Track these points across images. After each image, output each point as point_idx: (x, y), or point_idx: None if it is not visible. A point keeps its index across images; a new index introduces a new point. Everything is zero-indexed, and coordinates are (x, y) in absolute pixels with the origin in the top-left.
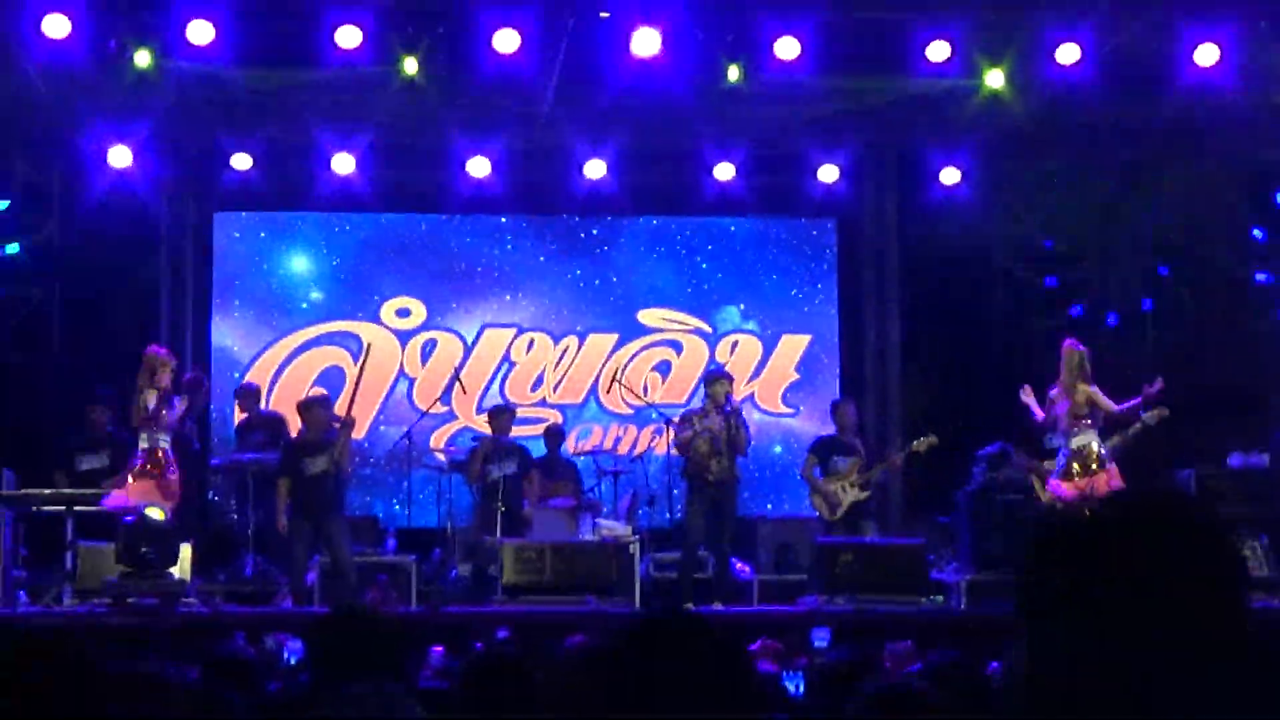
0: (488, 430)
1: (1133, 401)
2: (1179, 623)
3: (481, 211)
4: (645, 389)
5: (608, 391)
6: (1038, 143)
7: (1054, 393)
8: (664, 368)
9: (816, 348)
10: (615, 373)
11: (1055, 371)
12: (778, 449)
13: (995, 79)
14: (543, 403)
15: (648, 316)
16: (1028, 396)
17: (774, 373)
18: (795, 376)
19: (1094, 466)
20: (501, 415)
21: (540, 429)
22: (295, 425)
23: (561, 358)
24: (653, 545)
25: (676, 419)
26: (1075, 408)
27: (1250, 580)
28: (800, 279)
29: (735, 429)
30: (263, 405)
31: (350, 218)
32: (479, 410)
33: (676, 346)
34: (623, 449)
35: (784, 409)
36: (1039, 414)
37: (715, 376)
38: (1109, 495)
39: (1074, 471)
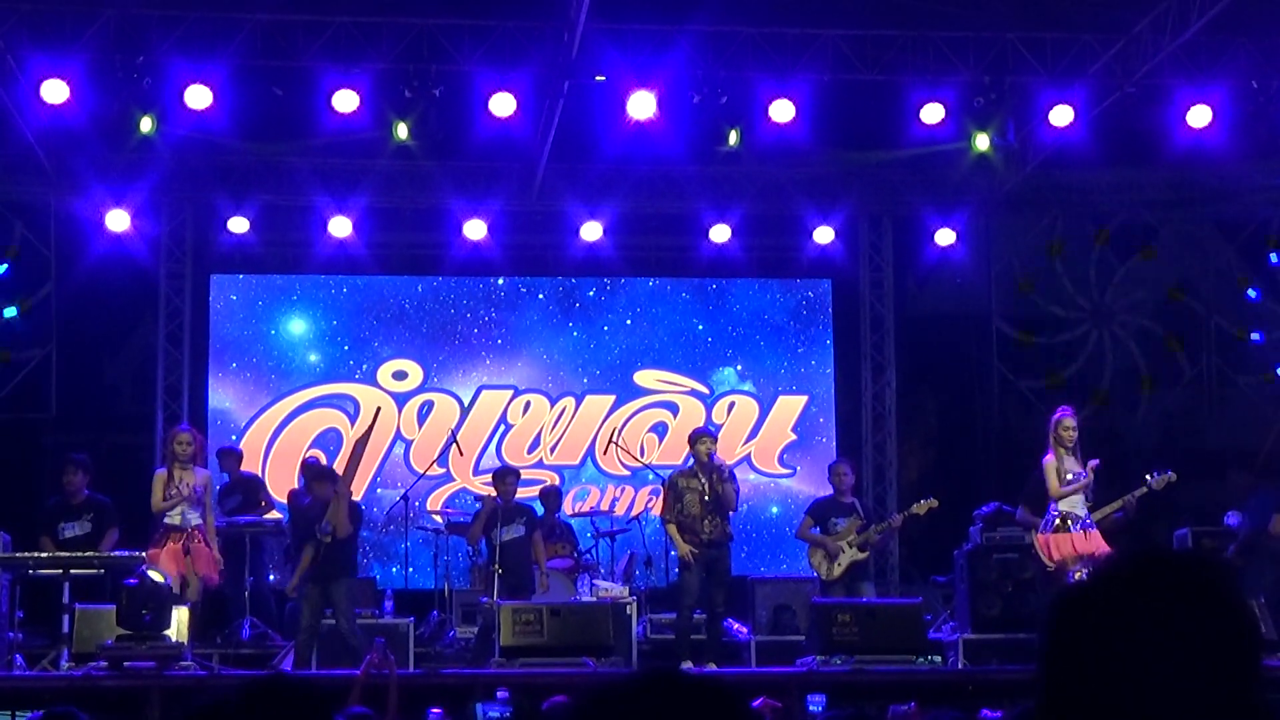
0: (487, 491)
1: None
2: (1205, 696)
3: (478, 274)
4: (642, 450)
5: (604, 453)
6: (1033, 204)
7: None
8: (660, 429)
9: (813, 408)
10: (612, 434)
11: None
12: (775, 510)
13: (982, 142)
14: (540, 464)
15: (644, 378)
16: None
17: (771, 433)
18: (792, 437)
19: (1075, 526)
20: (507, 478)
21: (537, 490)
22: (279, 486)
23: (559, 419)
24: (650, 606)
25: (665, 483)
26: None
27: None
28: (796, 340)
29: (722, 485)
30: (244, 468)
31: (347, 280)
32: (476, 471)
33: (673, 408)
34: (619, 510)
35: (781, 470)
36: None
37: (698, 435)
38: (1125, 557)
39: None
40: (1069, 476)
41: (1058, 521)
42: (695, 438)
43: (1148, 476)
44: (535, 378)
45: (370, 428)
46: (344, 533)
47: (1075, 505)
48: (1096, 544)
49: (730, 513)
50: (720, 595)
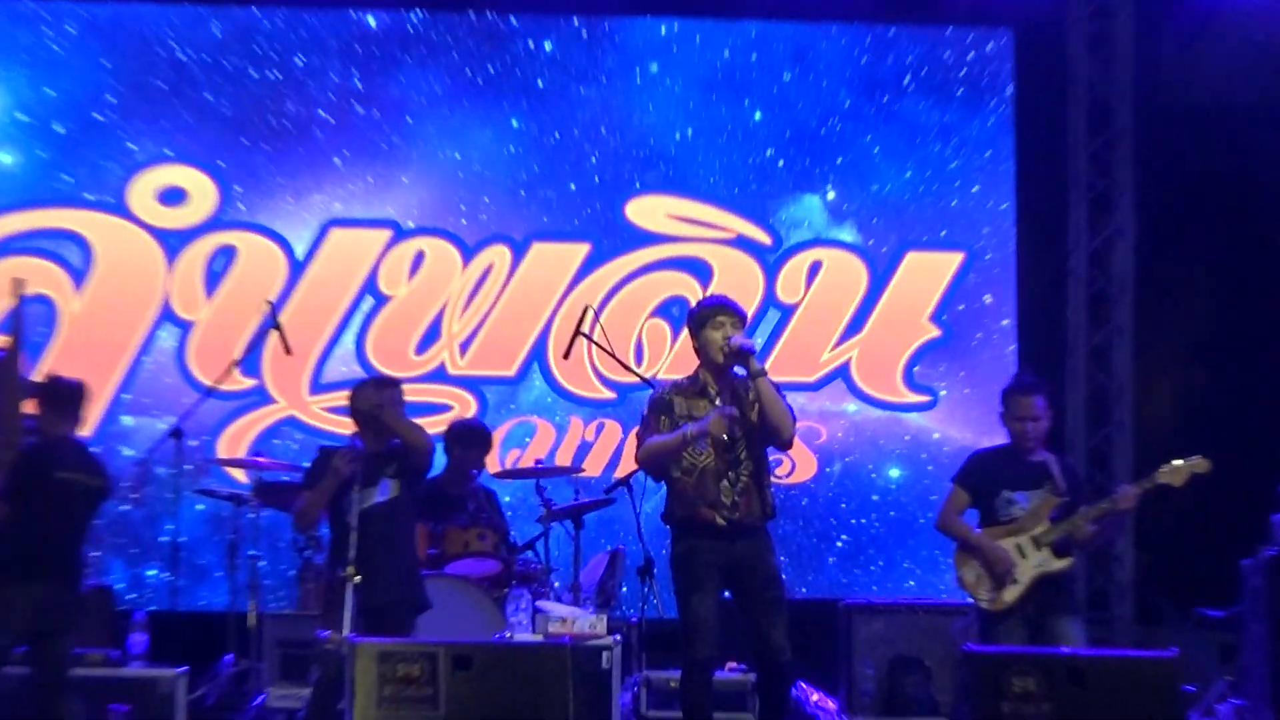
0: (335, 426)
1: None
2: None
3: (330, 1)
4: (639, 351)
5: (566, 355)
6: None
7: None
8: (675, 312)
9: (973, 278)
10: (583, 318)
11: None
12: (894, 472)
13: None
14: (438, 374)
15: (646, 211)
16: None
17: (890, 325)
18: (931, 333)
19: None
20: (378, 395)
21: (437, 424)
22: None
23: (478, 288)
24: (649, 655)
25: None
26: None
27: None
28: (944, 145)
29: (756, 404)
30: None
31: (72, 8)
32: (316, 387)
33: (701, 270)
34: (592, 467)
35: (906, 395)
36: None
37: (709, 310)
38: None
39: None
40: None
41: None
42: (703, 315)
43: None
44: (435, 206)
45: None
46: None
47: None
48: None
49: (774, 463)
50: (776, 631)
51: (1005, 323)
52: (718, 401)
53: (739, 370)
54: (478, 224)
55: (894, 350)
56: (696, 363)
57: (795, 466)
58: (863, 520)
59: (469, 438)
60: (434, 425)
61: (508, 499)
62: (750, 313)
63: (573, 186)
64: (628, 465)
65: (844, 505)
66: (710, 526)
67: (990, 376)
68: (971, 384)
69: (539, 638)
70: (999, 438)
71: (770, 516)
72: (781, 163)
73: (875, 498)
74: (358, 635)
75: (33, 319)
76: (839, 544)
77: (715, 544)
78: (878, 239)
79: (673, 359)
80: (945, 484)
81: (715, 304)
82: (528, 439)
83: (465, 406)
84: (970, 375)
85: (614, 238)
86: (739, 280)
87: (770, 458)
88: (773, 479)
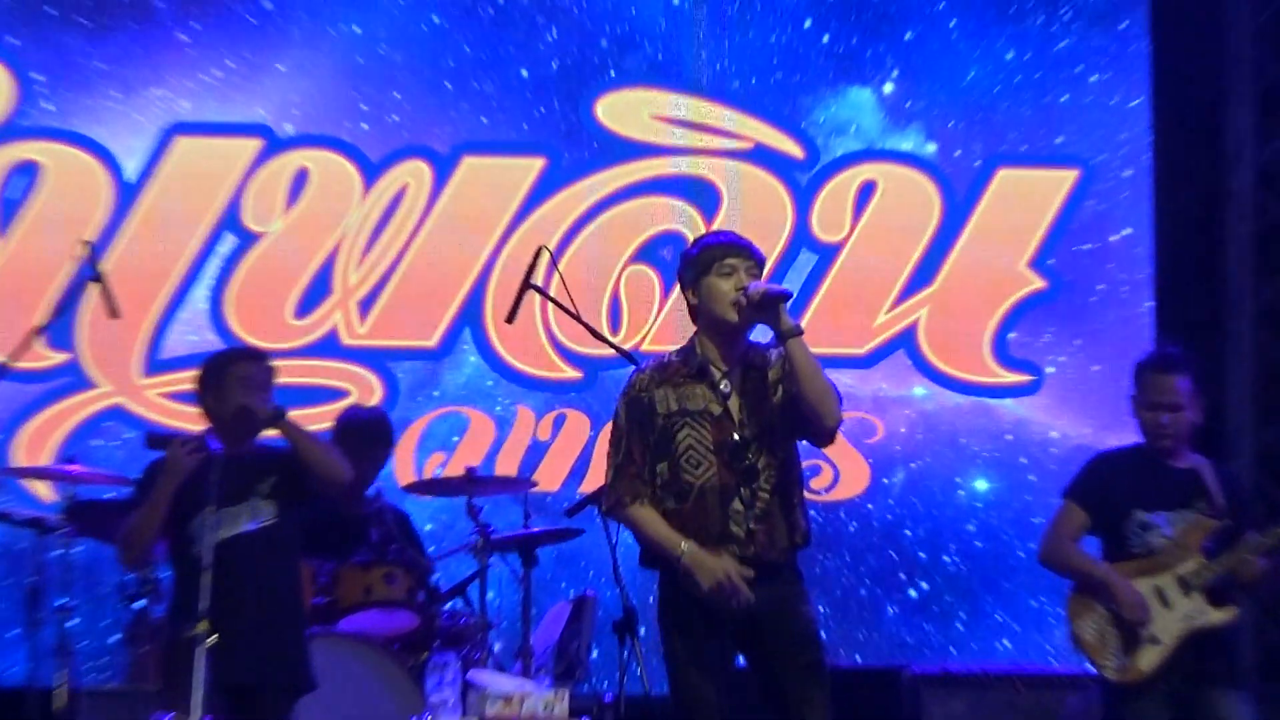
0: (184, 423)
1: None
2: None
3: None
4: (615, 308)
5: (511, 318)
6: None
7: None
8: (666, 255)
9: (1093, 208)
10: (534, 265)
11: None
12: (981, 483)
13: None
14: (328, 345)
15: (623, 111)
16: None
17: (974, 274)
18: (1034, 285)
19: None
20: (231, 377)
21: (324, 415)
22: None
23: (385, 221)
24: None
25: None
26: None
27: None
28: (1050, 18)
29: (776, 387)
30: None
31: None
32: (155, 365)
33: (700, 196)
34: (547, 480)
35: (1000, 372)
36: None
37: (715, 251)
38: None
39: None
40: None
41: None
42: (704, 258)
43: None
44: (324, 105)
45: None
46: None
47: None
48: None
49: (810, 470)
50: (812, 712)
51: (1135, 278)
52: (723, 386)
53: (754, 338)
54: (384, 130)
55: (980, 309)
56: (692, 329)
57: (839, 476)
58: (937, 553)
59: (363, 433)
60: (317, 420)
61: (429, 527)
62: (773, 257)
63: (524, 73)
64: (601, 475)
65: (909, 532)
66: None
67: (1118, 346)
68: (1092, 357)
69: None
70: (1131, 435)
71: (801, 546)
72: (826, 38)
73: (955, 520)
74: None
75: None
76: (902, 588)
77: (724, 589)
78: (956, 150)
79: (663, 322)
80: (1054, 500)
81: (721, 242)
82: (455, 438)
83: (367, 391)
84: (1090, 344)
85: (579, 149)
86: (758, 210)
87: (804, 462)
88: (807, 494)
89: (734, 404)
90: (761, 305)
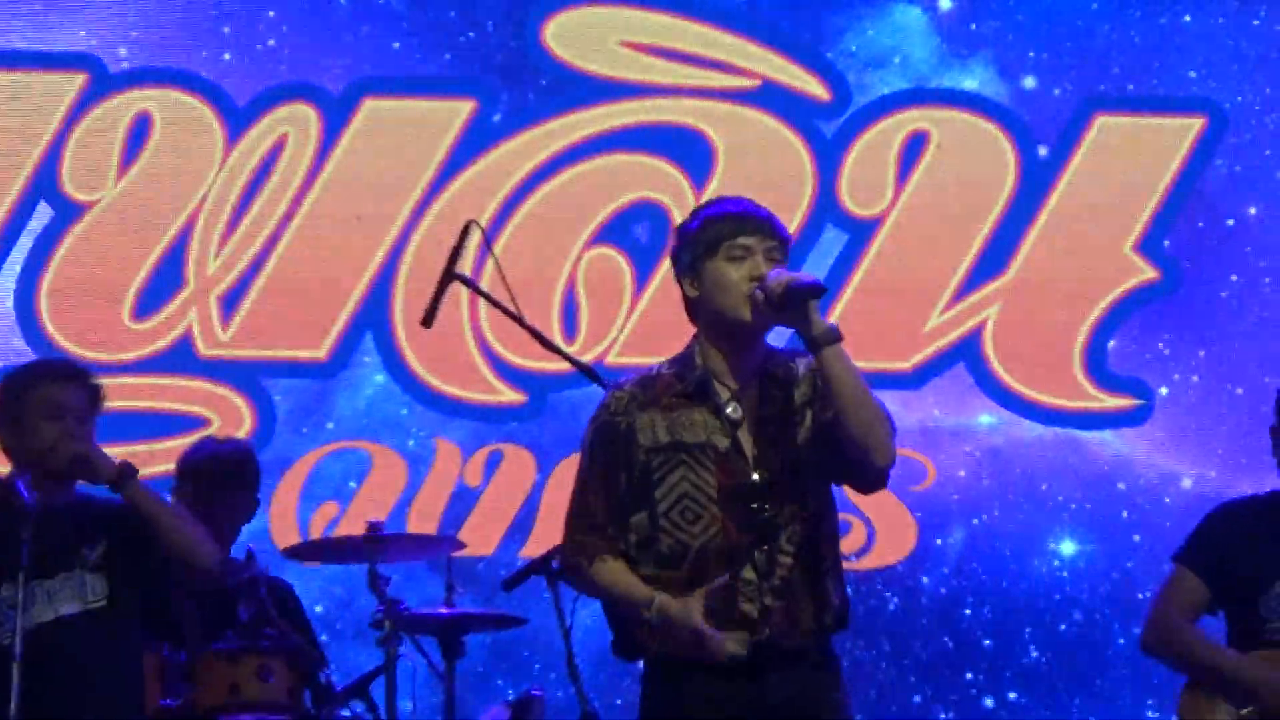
0: None
1: None
2: None
3: None
4: (571, 306)
5: (427, 320)
6: None
7: None
8: (641, 234)
9: (1223, 170)
10: (459, 246)
11: None
12: (1068, 546)
13: None
14: (180, 357)
15: (580, 36)
16: None
17: (1059, 261)
18: (1144, 276)
19: None
20: (37, 401)
21: (162, 455)
22: None
23: (257, 185)
24: None
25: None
26: None
27: None
28: None
29: (801, 412)
30: None
31: None
32: None
33: (687, 151)
34: (479, 537)
35: (1096, 394)
36: None
37: (723, 224)
38: None
39: None
40: None
41: None
42: (707, 235)
43: None
44: (172, 30)
45: None
46: None
47: None
48: None
49: (842, 525)
50: None
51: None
52: (731, 411)
53: (774, 342)
54: (255, 62)
55: (1069, 309)
56: (689, 333)
57: (875, 536)
58: (1009, 640)
59: (215, 477)
60: (165, 459)
61: (320, 609)
62: (792, 232)
63: None
64: (551, 534)
65: (970, 610)
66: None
67: (1257, 359)
68: (1221, 373)
69: None
70: (1270, 480)
71: (833, 630)
72: None
73: (1033, 596)
74: None
75: None
76: (962, 687)
77: (728, 688)
78: (1037, 90)
79: (637, 326)
80: (1163, 566)
81: (730, 212)
82: (353, 483)
83: (233, 419)
84: (1218, 356)
85: (521, 89)
86: (766, 172)
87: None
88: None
89: (746, 435)
90: (785, 302)
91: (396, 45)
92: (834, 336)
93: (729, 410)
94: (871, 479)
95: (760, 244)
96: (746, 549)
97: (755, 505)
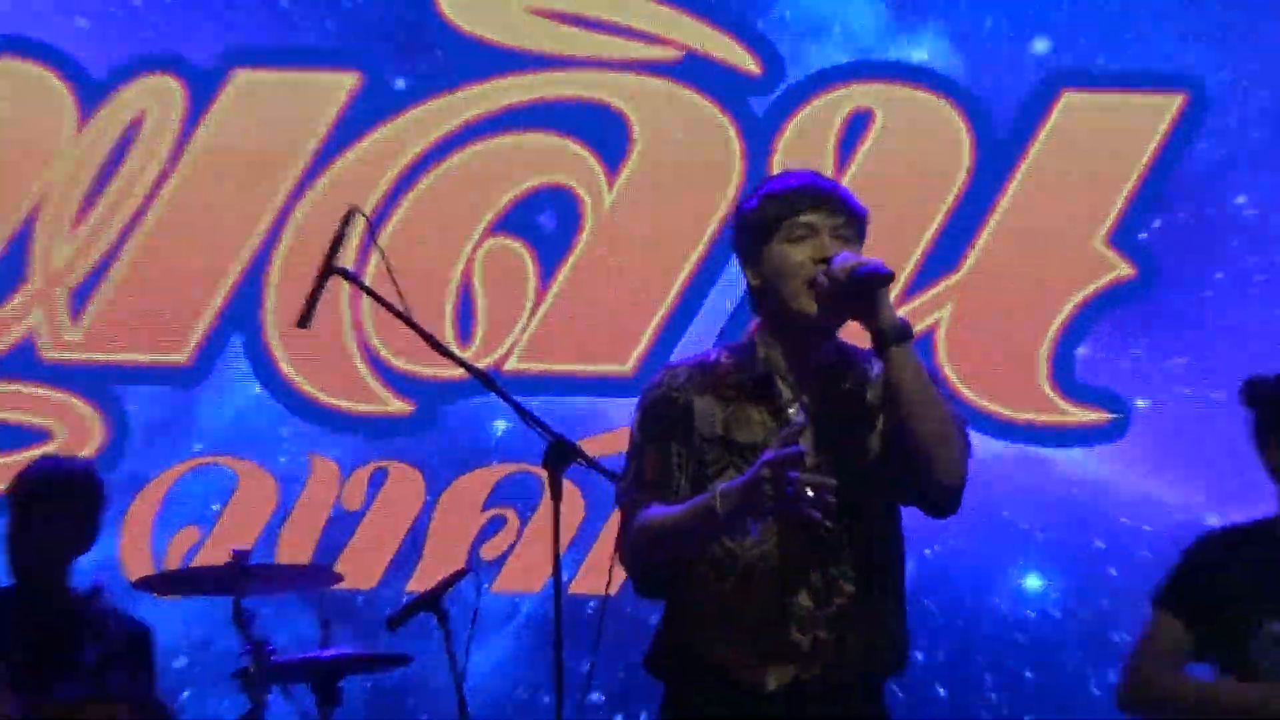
0: None
1: None
2: None
3: None
4: (466, 303)
5: (304, 319)
6: None
7: None
8: (544, 224)
9: (1206, 152)
10: (340, 235)
11: None
12: (1032, 580)
13: None
14: (21, 361)
15: (466, 4)
16: None
17: (1022, 255)
18: (1118, 272)
19: None
20: None
21: (15, 468)
22: None
23: (112, 172)
24: None
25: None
26: None
27: None
28: None
29: (862, 418)
30: None
31: None
32: None
33: (599, 131)
34: (360, 569)
35: (1063, 406)
36: None
37: (787, 198)
38: None
39: None
40: None
41: None
42: (768, 210)
43: None
44: None
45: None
46: None
47: None
48: None
49: (938, 504)
50: None
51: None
52: (794, 412)
53: (851, 344)
54: (112, 29)
55: (1033, 310)
56: (751, 323)
57: None
58: (965, 688)
59: (45, 497)
60: (4, 475)
61: (180, 662)
62: (710, 226)
63: None
64: (441, 564)
65: (922, 655)
66: (753, 693)
67: (1247, 366)
68: (1205, 383)
69: None
70: (1261, 505)
71: (895, 671)
72: None
73: (994, 637)
74: None
75: None
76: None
77: None
78: (995, 63)
79: (541, 326)
80: (1142, 605)
81: (792, 186)
82: (217, 505)
83: (80, 432)
84: (1201, 363)
85: (412, 60)
86: (689, 153)
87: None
88: None
89: (810, 439)
90: (850, 289)
91: (272, 11)
92: (904, 333)
93: (791, 411)
94: (934, 499)
95: (826, 220)
96: (803, 570)
97: (814, 522)
